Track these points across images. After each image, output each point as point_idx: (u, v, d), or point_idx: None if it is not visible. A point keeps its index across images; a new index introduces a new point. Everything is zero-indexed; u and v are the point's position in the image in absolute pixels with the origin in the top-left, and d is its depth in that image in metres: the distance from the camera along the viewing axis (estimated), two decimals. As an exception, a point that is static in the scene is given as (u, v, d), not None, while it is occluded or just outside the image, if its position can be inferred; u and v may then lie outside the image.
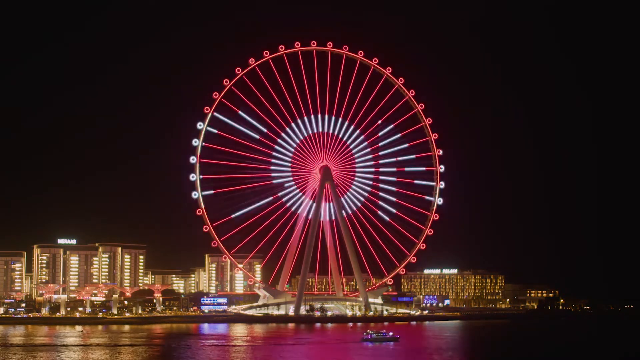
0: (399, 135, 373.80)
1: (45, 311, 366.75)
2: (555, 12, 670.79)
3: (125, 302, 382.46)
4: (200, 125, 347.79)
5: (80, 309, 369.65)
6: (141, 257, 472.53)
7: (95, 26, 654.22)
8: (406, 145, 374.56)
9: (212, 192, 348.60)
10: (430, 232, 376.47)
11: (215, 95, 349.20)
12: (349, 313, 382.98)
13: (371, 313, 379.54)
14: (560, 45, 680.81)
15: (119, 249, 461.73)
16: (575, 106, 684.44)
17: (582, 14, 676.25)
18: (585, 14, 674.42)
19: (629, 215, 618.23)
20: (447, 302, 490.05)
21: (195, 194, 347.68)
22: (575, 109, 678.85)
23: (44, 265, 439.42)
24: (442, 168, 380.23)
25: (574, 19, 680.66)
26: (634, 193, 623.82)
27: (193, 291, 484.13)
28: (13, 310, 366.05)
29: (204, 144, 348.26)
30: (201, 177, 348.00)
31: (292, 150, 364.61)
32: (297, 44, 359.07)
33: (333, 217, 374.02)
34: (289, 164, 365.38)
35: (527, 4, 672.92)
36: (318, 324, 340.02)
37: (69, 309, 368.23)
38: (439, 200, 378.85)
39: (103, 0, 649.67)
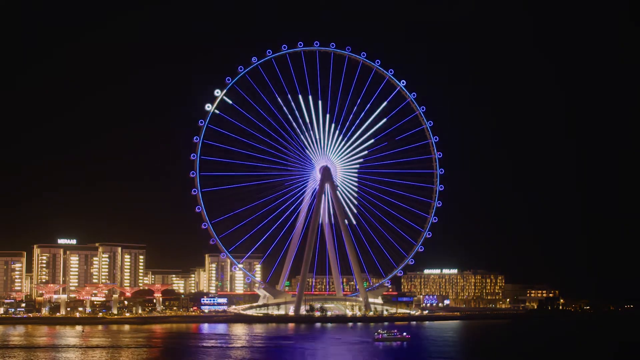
0: (399, 137, 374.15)
1: (45, 311, 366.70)
2: (554, 11, 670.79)
3: (125, 302, 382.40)
4: (201, 123, 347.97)
5: (80, 309, 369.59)
6: (141, 257, 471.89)
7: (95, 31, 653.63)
8: (407, 147, 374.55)
9: (211, 189, 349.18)
10: (429, 234, 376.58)
11: (217, 92, 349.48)
12: (349, 313, 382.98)
13: (371, 313, 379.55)
14: (559, 44, 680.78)
15: (119, 249, 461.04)
16: (576, 106, 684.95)
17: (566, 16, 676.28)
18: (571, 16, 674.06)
19: (630, 215, 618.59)
20: (447, 302, 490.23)
21: (194, 191, 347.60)
22: (576, 109, 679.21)
23: (44, 265, 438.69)
24: (442, 171, 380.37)
25: (571, 19, 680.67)
26: (634, 192, 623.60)
27: (193, 291, 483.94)
28: (13, 310, 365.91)
29: (204, 141, 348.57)
30: (201, 174, 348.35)
31: (293, 149, 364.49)
32: (300, 44, 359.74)
33: (332, 218, 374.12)
34: (289, 164, 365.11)
35: (527, 3, 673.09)
36: (318, 324, 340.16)
37: (69, 309, 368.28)
38: (439, 203, 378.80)
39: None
